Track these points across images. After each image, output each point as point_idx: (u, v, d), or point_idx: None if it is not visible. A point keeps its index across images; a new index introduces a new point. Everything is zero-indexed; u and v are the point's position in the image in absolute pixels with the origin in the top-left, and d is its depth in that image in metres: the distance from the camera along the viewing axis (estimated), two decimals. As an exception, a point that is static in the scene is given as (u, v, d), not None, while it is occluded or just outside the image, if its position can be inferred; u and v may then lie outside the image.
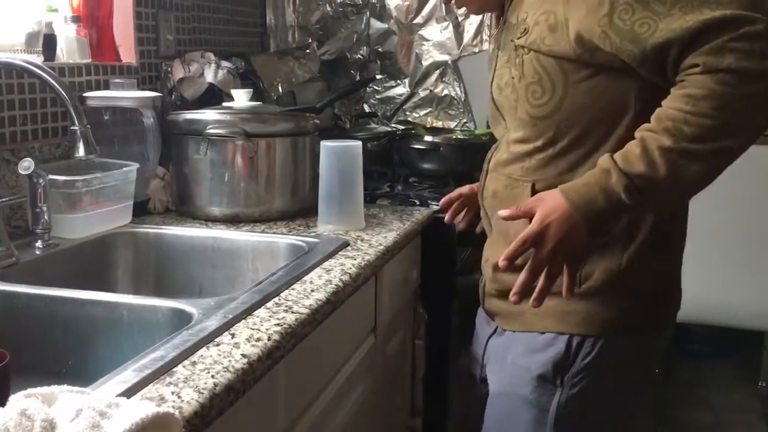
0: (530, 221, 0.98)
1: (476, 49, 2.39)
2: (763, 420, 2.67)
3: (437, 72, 2.44)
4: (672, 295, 1.14)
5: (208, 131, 1.50)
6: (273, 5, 2.49)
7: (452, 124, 2.44)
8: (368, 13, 2.47)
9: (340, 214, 1.47)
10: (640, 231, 1.06)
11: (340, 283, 1.13)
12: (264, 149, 1.53)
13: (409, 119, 2.47)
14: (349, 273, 1.19)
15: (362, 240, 1.40)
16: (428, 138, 2.11)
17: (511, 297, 0.99)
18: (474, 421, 1.26)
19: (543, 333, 1.09)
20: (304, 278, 1.15)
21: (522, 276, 0.97)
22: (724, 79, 0.89)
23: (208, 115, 1.53)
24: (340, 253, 1.31)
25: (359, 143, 1.49)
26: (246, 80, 2.05)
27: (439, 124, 2.44)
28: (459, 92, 2.43)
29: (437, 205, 1.74)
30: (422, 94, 2.46)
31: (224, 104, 1.65)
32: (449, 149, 2.08)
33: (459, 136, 2.21)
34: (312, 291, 1.08)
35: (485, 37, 2.38)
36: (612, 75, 0.99)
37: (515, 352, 1.14)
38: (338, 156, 1.47)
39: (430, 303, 1.70)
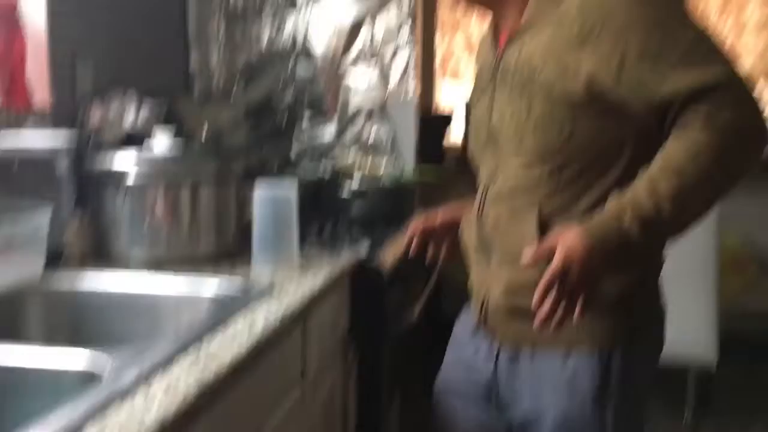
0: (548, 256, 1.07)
1: (402, 91, 2.42)
2: (690, 452, 2.73)
3: (364, 114, 2.45)
4: (663, 307, 1.27)
5: (126, 176, 1.45)
6: (198, 47, 2.46)
7: (380, 167, 2.44)
8: (295, 56, 2.47)
9: (275, 256, 1.45)
10: (651, 254, 1.21)
11: (265, 331, 1.10)
12: (187, 193, 1.50)
13: (337, 162, 2.46)
14: (275, 319, 1.15)
15: (289, 284, 1.37)
16: (356, 181, 2.10)
17: (536, 325, 1.07)
18: None
19: (572, 352, 1.17)
20: (227, 325, 1.10)
21: (546, 306, 1.06)
22: (720, 131, 1.03)
23: (128, 158, 1.48)
24: (265, 298, 1.27)
25: (294, 184, 1.48)
26: (169, 123, 2.00)
27: (367, 166, 2.44)
28: (386, 135, 2.44)
29: (366, 248, 1.73)
30: (350, 136, 2.46)
31: (144, 148, 1.60)
32: (377, 192, 2.08)
33: (387, 179, 2.21)
34: (234, 340, 1.04)
35: (411, 80, 2.41)
36: (616, 116, 1.11)
37: (554, 375, 1.20)
38: (272, 199, 1.45)
39: (361, 347, 1.67)
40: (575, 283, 1.06)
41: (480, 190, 1.28)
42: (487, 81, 1.27)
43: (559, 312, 1.07)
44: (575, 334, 1.15)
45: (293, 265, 1.46)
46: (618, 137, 1.13)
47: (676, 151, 1.06)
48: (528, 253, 1.09)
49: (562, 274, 1.06)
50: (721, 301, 2.58)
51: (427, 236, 1.46)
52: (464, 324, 1.41)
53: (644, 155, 1.12)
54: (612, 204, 1.09)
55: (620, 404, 1.19)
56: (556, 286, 1.06)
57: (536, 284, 1.12)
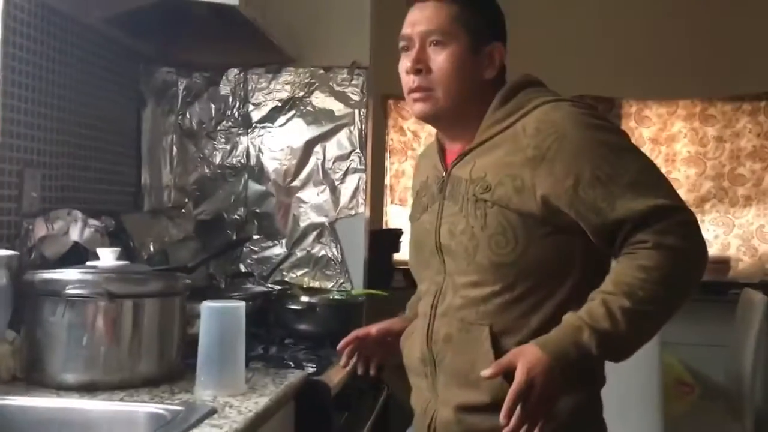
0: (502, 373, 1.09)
1: (352, 212, 2.46)
2: None
3: (314, 233, 2.47)
4: (605, 424, 1.28)
5: (67, 291, 1.40)
6: (149, 165, 2.48)
7: (329, 285, 2.44)
8: (247, 175, 2.50)
9: (220, 378, 1.41)
10: (596, 371, 1.23)
11: (204, 456, 1.05)
12: (129, 311, 1.45)
13: (286, 279, 2.45)
14: (215, 444, 1.10)
15: (231, 406, 1.32)
16: (305, 298, 2.09)
17: (484, 372, 1.09)
18: None
19: None
20: (164, 452, 1.05)
21: (513, 423, 1.06)
22: (667, 254, 1.11)
23: (69, 274, 1.44)
24: (206, 421, 1.22)
25: (242, 304, 1.45)
26: (116, 239, 1.98)
27: (316, 284, 2.44)
28: (336, 253, 2.46)
29: (313, 368, 1.70)
30: (299, 254, 2.47)
31: (88, 263, 1.57)
32: (326, 309, 2.06)
33: (336, 297, 2.21)
34: (171, 466, 0.99)
35: (361, 200, 2.46)
36: (567, 234, 1.16)
37: None
38: (220, 317, 1.42)
39: (304, 474, 1.60)
40: (538, 399, 1.07)
41: (426, 306, 1.28)
42: (434, 195, 1.29)
43: (524, 430, 1.06)
44: None
45: (240, 386, 1.42)
46: (568, 256, 1.18)
47: (629, 270, 1.11)
48: (488, 370, 1.09)
49: (527, 390, 1.06)
50: (667, 425, 2.58)
51: (361, 346, 1.44)
52: None
53: (592, 276, 1.17)
54: (567, 320, 1.11)
55: None
56: (521, 404, 1.06)
57: (488, 406, 1.14)
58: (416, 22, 1.24)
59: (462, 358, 1.20)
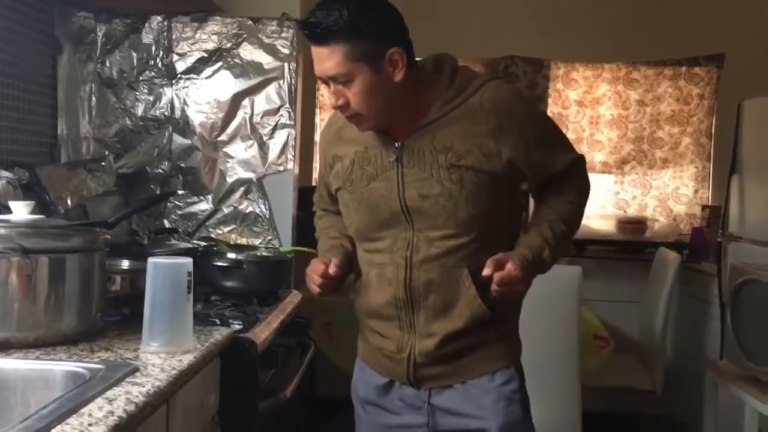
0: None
1: (281, 168, 2.43)
2: None
3: (242, 189, 2.43)
4: None
5: (-23, 246, 1.34)
6: (66, 115, 2.37)
7: (257, 242, 2.41)
8: (171, 128, 2.43)
9: (167, 335, 1.39)
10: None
11: (124, 415, 1.02)
12: (44, 266, 1.40)
13: (212, 236, 2.41)
14: (135, 402, 1.08)
15: (154, 364, 1.30)
16: (231, 255, 2.06)
17: (485, 273, 1.38)
18: None
19: (495, 372, 1.46)
20: (82, 410, 1.02)
21: (496, 288, 1.38)
22: (581, 191, 1.54)
23: (-21, 228, 1.37)
24: (127, 379, 1.19)
25: (189, 260, 1.43)
26: (30, 192, 1.89)
27: (243, 241, 2.41)
28: (264, 209, 2.43)
29: (239, 325, 1.68)
30: (226, 210, 2.43)
31: (0, 216, 1.49)
32: (253, 266, 2.04)
33: (263, 254, 2.18)
34: (90, 425, 0.97)
35: (290, 156, 2.43)
36: (516, 187, 1.49)
37: (484, 395, 1.45)
38: (166, 272, 1.40)
39: (230, 430, 1.59)
40: (518, 284, 1.38)
41: (398, 258, 1.42)
42: (385, 164, 1.42)
43: (499, 289, 1.36)
44: (489, 360, 1.45)
45: (188, 341, 1.42)
46: (518, 203, 1.53)
47: (562, 205, 1.49)
48: (487, 269, 1.36)
49: (514, 281, 1.37)
50: (583, 377, 2.69)
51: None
52: (367, 391, 1.52)
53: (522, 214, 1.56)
54: (532, 242, 1.44)
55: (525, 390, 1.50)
56: (507, 289, 1.37)
57: (464, 330, 1.42)
58: (318, 63, 1.35)
59: (445, 296, 1.42)
